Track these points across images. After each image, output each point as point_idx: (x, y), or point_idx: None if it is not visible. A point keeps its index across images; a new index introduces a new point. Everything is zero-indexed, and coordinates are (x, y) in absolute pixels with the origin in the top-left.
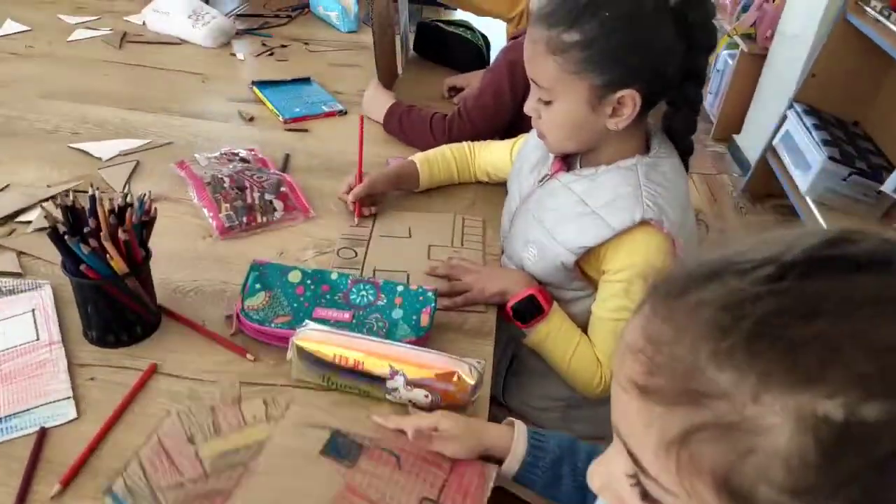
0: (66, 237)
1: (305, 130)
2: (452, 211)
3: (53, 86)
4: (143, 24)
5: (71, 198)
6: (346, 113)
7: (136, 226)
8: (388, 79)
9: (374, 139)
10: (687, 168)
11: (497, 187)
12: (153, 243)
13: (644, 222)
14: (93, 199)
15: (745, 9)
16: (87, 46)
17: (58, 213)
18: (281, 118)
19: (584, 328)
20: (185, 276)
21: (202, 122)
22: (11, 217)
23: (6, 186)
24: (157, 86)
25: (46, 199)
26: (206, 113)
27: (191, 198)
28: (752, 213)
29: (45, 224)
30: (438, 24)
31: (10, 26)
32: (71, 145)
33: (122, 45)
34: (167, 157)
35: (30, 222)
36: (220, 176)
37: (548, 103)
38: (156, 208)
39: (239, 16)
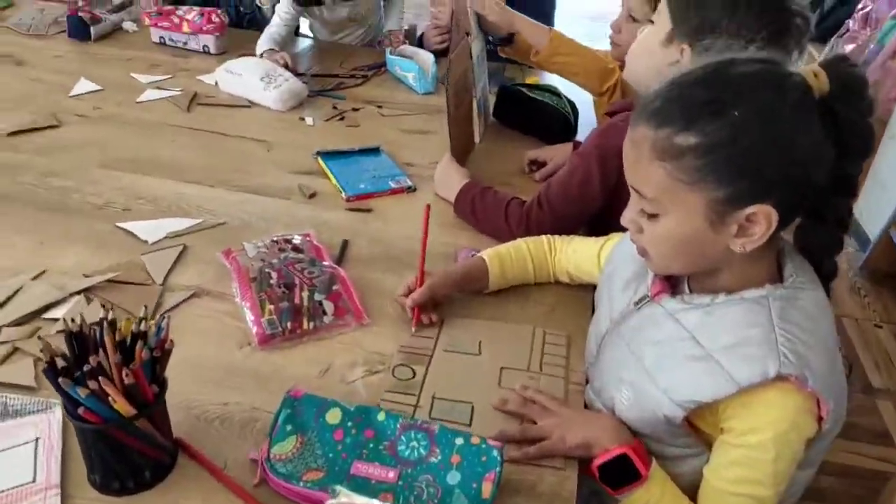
0: (59, 378)
1: (369, 210)
2: (530, 319)
3: (115, 153)
4: (216, 84)
5: (78, 321)
6: (414, 190)
7: (147, 363)
8: (462, 152)
9: (443, 223)
10: (829, 295)
11: (583, 290)
12: (182, 343)
13: (780, 377)
14: (101, 325)
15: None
16: (155, 108)
17: (59, 342)
18: (343, 195)
19: (691, 493)
20: (213, 397)
21: (260, 199)
22: (39, 313)
23: (41, 273)
24: (220, 155)
25: (79, 293)
26: (265, 187)
27: (234, 294)
28: (873, 296)
29: (71, 326)
30: (521, 88)
31: (83, 85)
32: (119, 224)
33: (190, 107)
34: (217, 240)
35: (56, 320)
36: (267, 270)
37: (652, 216)
38: (172, 340)
39: (313, 76)
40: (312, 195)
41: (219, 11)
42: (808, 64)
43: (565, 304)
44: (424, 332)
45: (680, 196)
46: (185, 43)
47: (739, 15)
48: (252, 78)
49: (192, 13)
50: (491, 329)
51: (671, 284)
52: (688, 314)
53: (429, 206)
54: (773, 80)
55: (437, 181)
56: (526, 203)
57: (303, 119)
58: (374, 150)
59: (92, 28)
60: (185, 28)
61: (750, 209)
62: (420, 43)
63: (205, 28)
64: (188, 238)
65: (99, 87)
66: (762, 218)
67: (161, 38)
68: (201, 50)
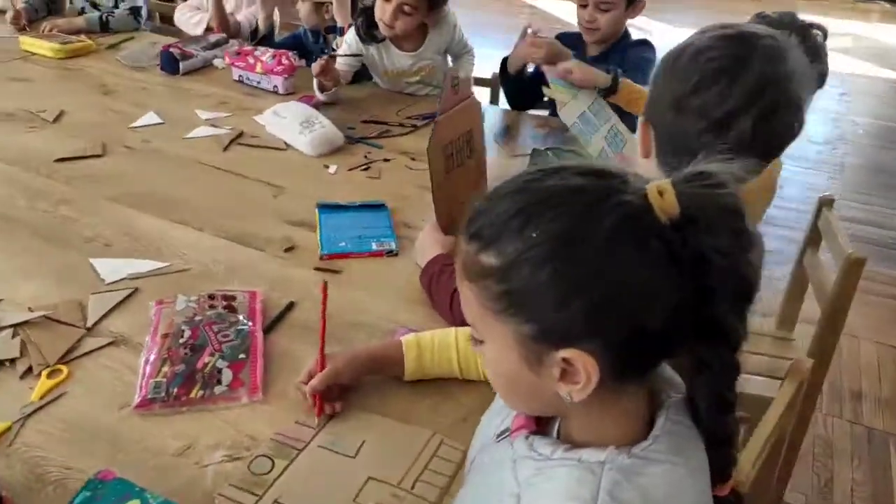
0: None
1: (338, 272)
2: (435, 423)
3: (130, 187)
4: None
5: None
6: (396, 254)
7: None
8: (451, 220)
9: (412, 298)
10: (721, 476)
11: None
12: (72, 394)
13: None
14: None
15: None
16: (197, 145)
17: None
18: (320, 252)
19: None
20: (63, 458)
21: (236, 248)
22: None
23: None
24: (227, 197)
25: (12, 326)
26: (248, 236)
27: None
28: None
29: None
30: (549, 150)
31: (148, 118)
32: (91, 259)
33: (229, 146)
34: (173, 286)
35: None
36: (183, 327)
37: (479, 342)
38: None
39: (363, 121)
40: (289, 249)
41: (290, 54)
42: None
43: (483, 411)
44: (308, 421)
45: (489, 325)
46: (259, 82)
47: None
48: (293, 122)
49: (266, 54)
50: (384, 428)
51: (539, 421)
52: (524, 465)
53: (325, 284)
54: (587, 197)
55: (416, 248)
56: None
57: (326, 167)
58: (379, 207)
59: (181, 63)
60: (259, 68)
61: (562, 353)
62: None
63: (275, 69)
64: (145, 281)
65: (160, 121)
66: (579, 365)
67: (240, 76)
68: (272, 90)
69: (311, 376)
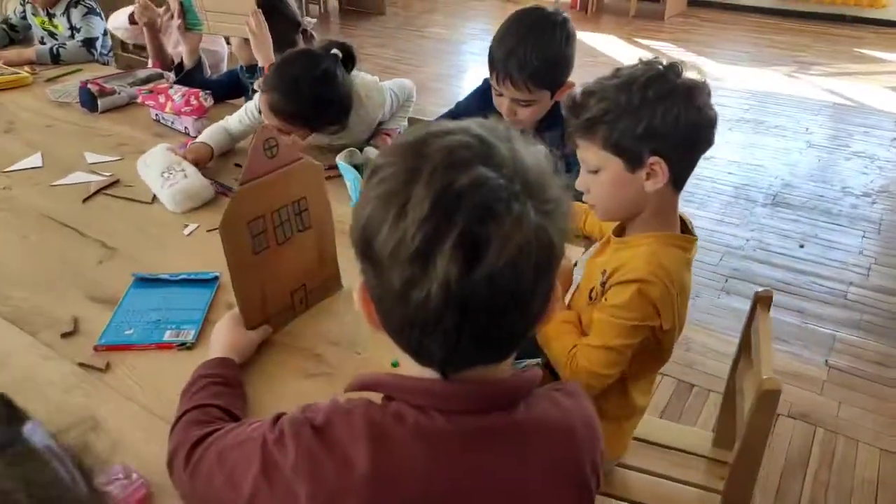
0: None
1: (102, 369)
2: None
3: None
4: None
5: None
6: (189, 348)
7: None
8: (260, 309)
9: None
10: None
11: None
12: None
13: None
14: None
15: None
16: (59, 194)
17: None
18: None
19: None
20: None
21: (3, 329)
22: None
23: None
24: (42, 260)
25: None
26: (30, 311)
27: None
28: None
29: None
30: None
31: (32, 160)
32: None
33: (89, 198)
34: None
35: None
36: None
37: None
38: None
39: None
40: (67, 334)
41: (202, 94)
42: None
43: None
44: None
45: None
46: (172, 123)
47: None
48: (154, 172)
49: (178, 93)
50: None
51: None
52: None
53: None
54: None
55: (212, 338)
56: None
57: (186, 225)
58: (209, 281)
59: (99, 100)
60: (168, 108)
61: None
62: None
63: (183, 110)
64: None
65: (39, 165)
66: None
67: (156, 115)
68: (183, 131)
69: None
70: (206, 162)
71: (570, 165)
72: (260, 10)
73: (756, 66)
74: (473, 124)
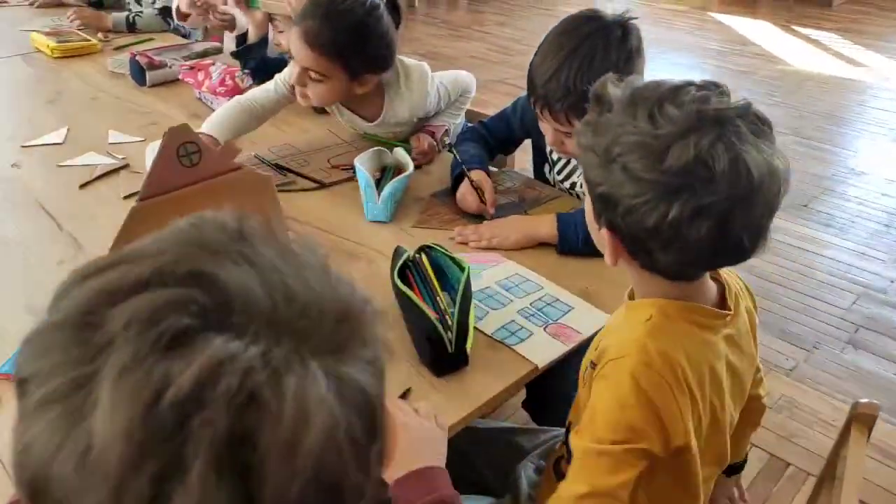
0: None
1: None
2: None
3: None
4: None
5: None
6: None
7: None
8: None
9: None
10: None
11: None
12: None
13: None
14: None
15: None
16: (59, 176)
17: None
18: None
19: None
20: None
21: None
22: None
23: None
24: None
25: None
26: None
27: None
28: None
29: None
30: None
31: (53, 136)
32: None
33: (87, 184)
34: None
35: None
36: None
37: None
38: None
39: (277, 167)
40: None
41: (238, 73)
42: None
43: None
44: None
45: None
46: (211, 103)
47: None
48: None
49: (217, 70)
50: None
51: None
52: None
53: None
54: None
55: None
56: None
57: None
58: None
59: (147, 73)
60: (205, 87)
61: None
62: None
63: (217, 90)
64: None
65: (59, 142)
66: None
67: (198, 94)
68: None
69: None
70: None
71: None
72: None
73: None
74: (171, 254)
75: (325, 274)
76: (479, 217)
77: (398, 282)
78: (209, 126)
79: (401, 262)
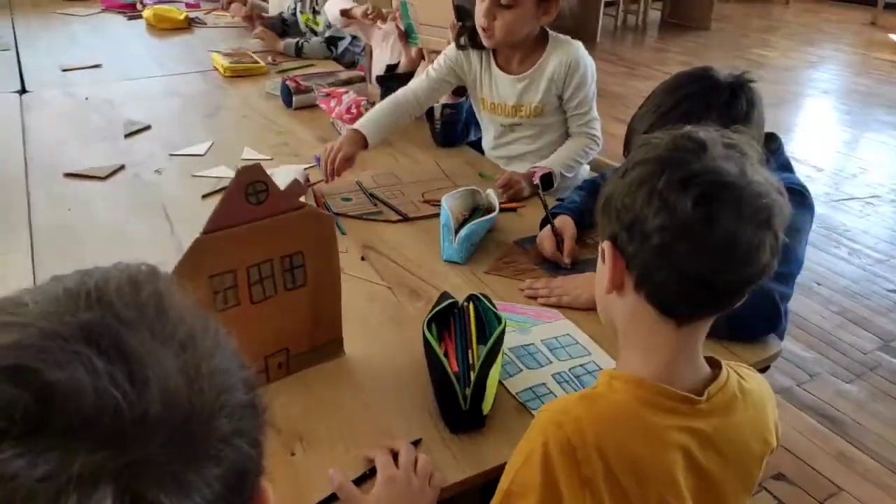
0: None
1: None
2: None
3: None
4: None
5: None
6: None
7: None
8: None
9: None
10: None
11: None
12: None
13: None
14: None
15: None
16: (191, 185)
17: None
18: None
19: None
20: None
21: None
22: None
23: None
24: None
25: None
26: None
27: None
28: None
29: None
30: None
31: (198, 147)
32: None
33: (209, 195)
34: None
35: None
36: None
37: None
38: None
39: (374, 197)
40: None
41: (364, 102)
42: None
43: None
44: None
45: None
46: (341, 128)
47: None
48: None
49: (348, 98)
50: None
51: None
52: None
53: None
54: None
55: None
56: None
57: None
58: None
59: (294, 97)
60: (335, 113)
61: None
62: None
63: (344, 117)
64: None
65: (201, 153)
66: None
67: (331, 119)
68: None
69: None
70: (354, 157)
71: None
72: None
73: None
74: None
75: (202, 365)
76: (555, 267)
77: (425, 329)
78: (361, 122)
79: (439, 308)
